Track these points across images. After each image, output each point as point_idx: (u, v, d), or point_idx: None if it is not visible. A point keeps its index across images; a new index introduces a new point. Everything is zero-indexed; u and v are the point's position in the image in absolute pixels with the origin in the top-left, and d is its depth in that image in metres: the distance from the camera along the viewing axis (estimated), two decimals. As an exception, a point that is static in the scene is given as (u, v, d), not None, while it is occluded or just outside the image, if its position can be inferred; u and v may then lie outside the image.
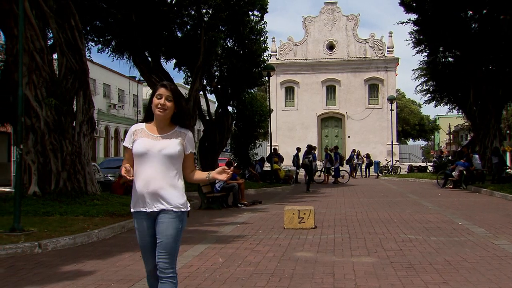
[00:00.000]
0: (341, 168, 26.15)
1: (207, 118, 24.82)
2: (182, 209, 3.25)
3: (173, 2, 19.65)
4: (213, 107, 28.45)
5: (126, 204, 10.02)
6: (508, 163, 29.75)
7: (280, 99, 43.64)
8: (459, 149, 37.02)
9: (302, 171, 26.16)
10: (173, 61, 22.68)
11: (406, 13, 24.50)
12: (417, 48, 26.93)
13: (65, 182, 11.65)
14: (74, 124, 12.29)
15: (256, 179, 22.34)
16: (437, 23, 23.20)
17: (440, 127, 73.06)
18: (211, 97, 28.10)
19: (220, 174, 3.29)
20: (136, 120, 39.03)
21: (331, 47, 43.92)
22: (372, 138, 42.23)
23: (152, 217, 3.25)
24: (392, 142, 36.08)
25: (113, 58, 23.17)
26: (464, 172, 19.45)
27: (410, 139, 67.15)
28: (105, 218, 9.43)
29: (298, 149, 25.95)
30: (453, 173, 20.01)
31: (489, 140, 24.48)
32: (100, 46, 20.10)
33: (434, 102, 31.54)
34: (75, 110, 12.56)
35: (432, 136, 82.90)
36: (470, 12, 24.07)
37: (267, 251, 6.81)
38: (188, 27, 21.10)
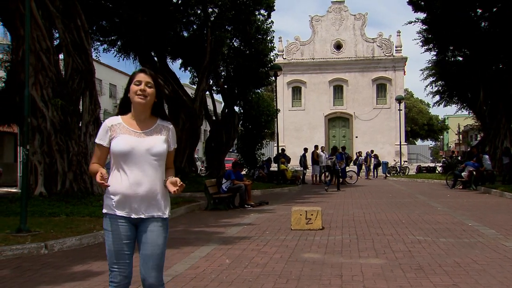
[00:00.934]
0: (348, 168, 25.97)
1: (214, 118, 24.82)
2: (168, 215, 2.97)
3: (179, 1, 19.67)
4: (220, 107, 28.44)
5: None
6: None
7: (287, 99, 43.56)
8: (468, 149, 36.72)
9: (309, 172, 26.08)
10: (179, 61, 22.72)
11: (414, 12, 24.31)
12: (426, 47, 26.70)
13: (71, 183, 11.66)
14: (80, 125, 12.31)
15: (264, 179, 22.31)
16: (446, 22, 22.98)
17: (449, 127, 72.53)
18: (218, 97, 28.13)
19: (173, 186, 2.88)
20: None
21: (338, 46, 43.76)
22: (380, 139, 42.00)
23: (134, 223, 2.90)
24: (400, 142, 35.87)
25: (119, 58, 23.27)
26: (474, 172, 19.23)
27: (419, 139, 66.68)
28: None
29: (305, 150, 25.86)
30: (463, 174, 19.80)
31: (499, 140, 24.20)
32: (106, 46, 20.18)
33: (443, 103, 31.25)
34: (81, 110, 12.57)
35: (441, 136, 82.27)
36: (480, 11, 23.81)
37: (274, 252, 6.74)
38: (194, 26, 21.12)
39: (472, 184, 19.19)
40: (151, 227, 2.89)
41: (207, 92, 23.46)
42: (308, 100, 43.82)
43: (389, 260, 6.13)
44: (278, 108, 26.48)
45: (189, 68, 23.11)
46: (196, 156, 30.43)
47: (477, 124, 34.30)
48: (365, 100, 42.93)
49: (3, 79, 14.67)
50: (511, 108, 25.51)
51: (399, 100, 35.26)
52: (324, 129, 43.35)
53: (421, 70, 31.00)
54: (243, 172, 19.10)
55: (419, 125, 61.88)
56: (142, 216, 2.89)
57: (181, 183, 2.89)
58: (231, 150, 29.17)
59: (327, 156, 25.54)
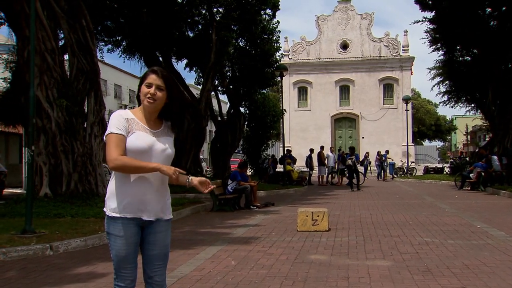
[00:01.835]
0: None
1: (219, 118, 24.78)
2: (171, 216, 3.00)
3: (184, 1, 19.64)
4: (225, 108, 28.38)
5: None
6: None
7: (293, 99, 43.46)
8: (476, 150, 36.39)
9: (315, 173, 25.96)
10: (185, 61, 22.71)
11: (421, 11, 24.10)
12: (433, 47, 26.47)
13: (76, 184, 11.64)
14: (85, 125, 12.28)
15: (266, 178, 22.36)
16: (454, 21, 22.76)
17: (457, 128, 72.01)
18: (223, 97, 28.06)
19: (202, 186, 2.84)
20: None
21: (344, 46, 43.59)
22: (386, 139, 41.75)
23: (141, 225, 2.85)
24: (407, 143, 35.62)
25: (124, 59, 23.31)
26: (482, 173, 19.04)
27: (426, 140, 66.29)
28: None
29: (311, 150, 25.74)
30: (471, 175, 19.62)
31: (508, 140, 23.92)
32: (110, 46, 20.19)
33: (452, 103, 30.95)
34: (86, 111, 12.56)
35: (449, 137, 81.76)
36: (489, 9, 23.57)
37: (280, 253, 6.69)
38: (200, 26, 21.10)
39: (480, 185, 19.00)
40: (159, 228, 2.87)
41: (213, 93, 23.41)
42: (314, 100, 43.68)
43: (396, 262, 6.05)
44: (284, 108, 26.40)
45: (194, 69, 23.08)
46: (201, 156, 30.42)
47: (485, 124, 33.94)
48: (372, 100, 42.72)
49: (8, 80, 14.71)
50: (521, 109, 25.20)
51: (406, 100, 35.04)
52: (331, 129, 43.19)
53: (429, 69, 30.61)
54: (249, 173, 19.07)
55: (426, 126, 61.47)
56: (152, 219, 2.83)
57: (211, 184, 2.86)
58: (236, 151, 29.11)
59: (335, 156, 25.44)
